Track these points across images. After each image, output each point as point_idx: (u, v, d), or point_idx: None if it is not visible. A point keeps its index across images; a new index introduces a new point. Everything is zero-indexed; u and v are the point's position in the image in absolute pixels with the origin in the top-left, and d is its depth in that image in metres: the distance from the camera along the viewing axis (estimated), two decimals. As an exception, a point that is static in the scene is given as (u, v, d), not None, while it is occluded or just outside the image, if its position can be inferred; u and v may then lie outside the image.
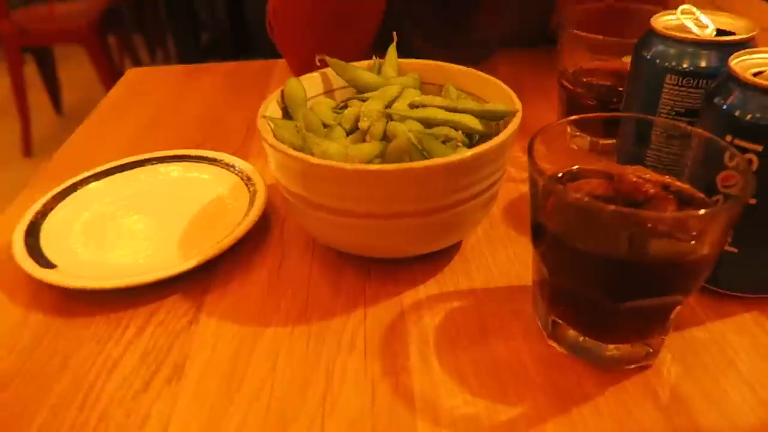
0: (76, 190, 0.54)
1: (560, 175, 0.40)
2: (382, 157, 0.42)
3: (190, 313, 0.44)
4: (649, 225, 0.33)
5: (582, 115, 0.42)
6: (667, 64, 0.44)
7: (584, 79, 0.60)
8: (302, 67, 0.50)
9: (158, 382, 0.39)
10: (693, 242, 0.33)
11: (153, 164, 0.58)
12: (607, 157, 0.47)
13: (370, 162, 0.42)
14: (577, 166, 0.40)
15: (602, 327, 0.37)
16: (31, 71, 2.69)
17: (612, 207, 0.32)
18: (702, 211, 0.33)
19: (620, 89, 0.59)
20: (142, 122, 0.74)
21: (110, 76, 2.52)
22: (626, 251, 0.34)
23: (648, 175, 0.39)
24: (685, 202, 0.37)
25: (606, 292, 0.35)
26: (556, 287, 0.38)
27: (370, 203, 0.40)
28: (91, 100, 0.77)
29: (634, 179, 0.39)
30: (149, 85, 0.86)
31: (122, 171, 0.57)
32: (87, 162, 0.60)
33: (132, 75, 0.90)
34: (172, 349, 0.41)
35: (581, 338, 0.38)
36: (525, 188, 0.56)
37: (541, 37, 0.85)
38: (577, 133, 0.56)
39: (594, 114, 0.43)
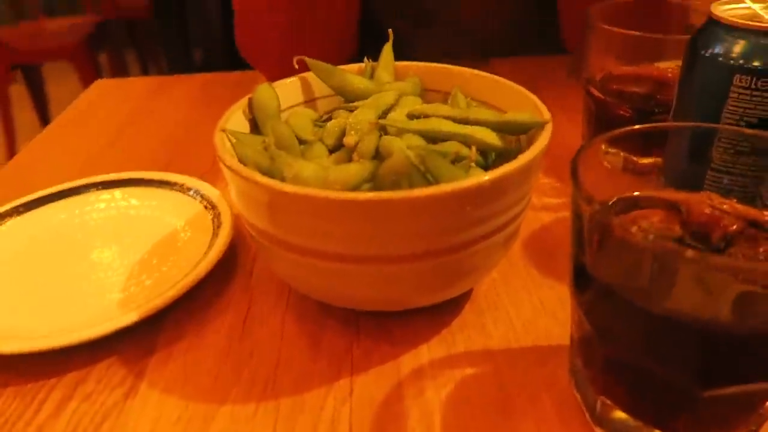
0: (0, 224, 0.44)
1: (609, 204, 0.30)
2: (373, 181, 0.32)
3: (127, 383, 0.34)
4: (750, 279, 0.23)
5: (634, 127, 0.33)
6: (735, 61, 0.35)
7: (614, 87, 0.51)
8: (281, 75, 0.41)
9: (69, 488, 0.29)
10: (811, 303, 0.23)
11: (97, 190, 0.48)
12: (646, 178, 0.37)
13: (357, 188, 0.32)
14: (636, 192, 0.31)
15: (672, 416, 0.27)
16: (18, 88, 2.61)
17: (693, 253, 0.22)
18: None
19: (659, 97, 0.50)
20: (104, 138, 0.64)
21: (100, 93, 2.44)
22: (716, 316, 0.24)
23: (726, 205, 0.30)
24: (780, 241, 0.28)
25: (684, 372, 0.25)
26: (607, 356, 0.28)
27: (357, 243, 0.30)
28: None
29: (708, 210, 0.29)
30: (118, 97, 0.76)
31: (57, 200, 0.47)
32: (29, 185, 0.50)
33: (99, 86, 0.80)
34: (97, 434, 0.31)
35: (640, 426, 0.28)
36: (547, 217, 0.47)
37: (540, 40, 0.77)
38: (610, 150, 0.46)
39: (645, 126, 0.34)
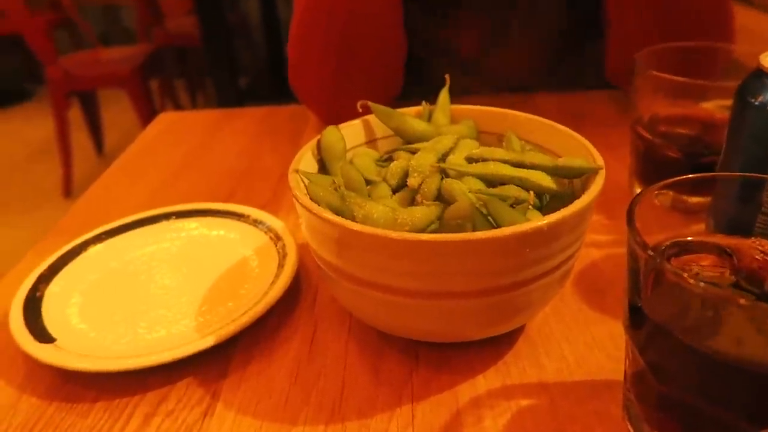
0: (84, 251, 0.48)
1: (662, 248, 0.32)
2: (439, 223, 0.35)
3: (205, 402, 0.37)
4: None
5: (687, 177, 0.35)
6: (783, 111, 0.37)
7: (662, 128, 0.53)
8: (329, 116, 0.45)
9: (159, 498, 0.32)
10: None
11: (169, 220, 0.52)
12: (695, 217, 0.39)
13: (423, 230, 0.35)
14: (690, 237, 0.32)
15: (728, 454, 0.28)
16: (75, 113, 2.74)
17: (745, 300, 0.24)
18: None
19: (707, 139, 0.51)
20: (169, 170, 0.69)
21: (151, 119, 2.54)
22: (764, 359, 0.25)
23: (775, 251, 0.31)
24: (831, 288, 0.29)
25: (738, 413, 0.26)
26: (661, 394, 0.29)
27: (422, 280, 0.33)
28: (131, 142, 0.74)
29: (759, 257, 0.31)
30: (181, 130, 0.81)
31: (134, 228, 0.51)
32: (104, 215, 0.55)
33: (164, 118, 0.86)
34: (179, 449, 0.34)
35: (694, 461, 0.29)
36: (597, 254, 0.49)
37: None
38: (660, 190, 0.48)
39: (698, 175, 0.35)
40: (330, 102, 0.69)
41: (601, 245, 0.49)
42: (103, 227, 0.51)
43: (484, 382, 0.37)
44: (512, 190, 0.35)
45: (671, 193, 0.50)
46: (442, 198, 0.37)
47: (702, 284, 0.24)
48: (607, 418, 0.34)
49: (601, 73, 0.74)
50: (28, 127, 3.33)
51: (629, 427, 0.33)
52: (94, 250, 0.49)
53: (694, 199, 0.44)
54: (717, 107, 0.53)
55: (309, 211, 0.34)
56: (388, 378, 0.38)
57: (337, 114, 0.45)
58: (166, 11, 3.11)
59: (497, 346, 0.39)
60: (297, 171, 0.39)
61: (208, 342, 0.38)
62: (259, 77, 3.38)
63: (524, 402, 0.36)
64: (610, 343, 0.39)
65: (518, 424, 0.34)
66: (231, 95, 2.75)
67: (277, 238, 0.49)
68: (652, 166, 0.53)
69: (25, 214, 2.38)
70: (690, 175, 0.34)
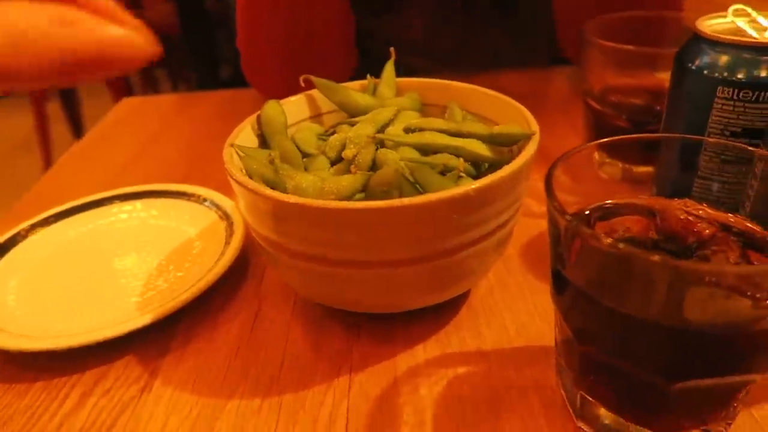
0: (30, 234, 0.48)
1: (587, 212, 0.32)
2: (365, 191, 0.34)
3: (143, 380, 0.37)
4: (710, 281, 0.25)
5: (617, 137, 0.34)
6: (718, 74, 0.36)
7: (613, 98, 0.53)
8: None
9: (88, 474, 0.31)
10: (770, 302, 0.25)
11: (116, 203, 0.51)
12: (643, 187, 0.39)
13: (350, 198, 0.34)
14: (610, 201, 0.32)
15: (647, 410, 0.28)
16: (54, 106, 2.71)
17: (657, 257, 0.24)
18: (783, 262, 0.24)
19: (657, 108, 0.51)
20: (127, 154, 0.68)
21: (131, 110, 2.52)
22: (679, 316, 0.25)
23: (700, 211, 0.31)
24: (752, 245, 0.29)
25: (654, 367, 0.26)
26: (585, 356, 0.29)
27: (352, 249, 0.33)
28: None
29: (683, 216, 0.31)
30: (141, 115, 0.80)
31: (81, 211, 0.50)
32: (59, 200, 0.54)
33: (126, 104, 0.85)
34: (115, 426, 0.34)
35: (620, 422, 0.29)
36: (545, 224, 0.48)
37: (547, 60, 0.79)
38: (607, 160, 0.48)
39: (629, 136, 0.35)
40: (289, 91, 0.69)
41: (551, 217, 0.49)
42: (50, 211, 0.50)
43: (424, 352, 0.37)
44: (442, 158, 0.35)
45: (620, 164, 0.51)
46: (377, 169, 0.37)
47: (614, 243, 0.24)
48: (543, 385, 0.34)
49: (556, 51, 0.74)
50: (8, 122, 3.29)
51: (561, 391, 0.33)
52: (42, 231, 0.49)
53: (641, 169, 0.44)
54: (668, 77, 0.53)
55: (241, 184, 0.34)
56: (328, 352, 0.38)
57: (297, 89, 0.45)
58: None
59: (439, 316, 0.39)
60: (232, 145, 0.38)
61: (146, 319, 0.38)
62: (239, 66, 3.35)
63: (461, 370, 0.36)
64: (551, 311, 0.39)
65: (454, 391, 0.34)
66: (212, 85, 2.73)
67: (225, 216, 0.48)
68: (603, 137, 0.53)
69: (5, 210, 2.36)
70: (622, 136, 0.33)
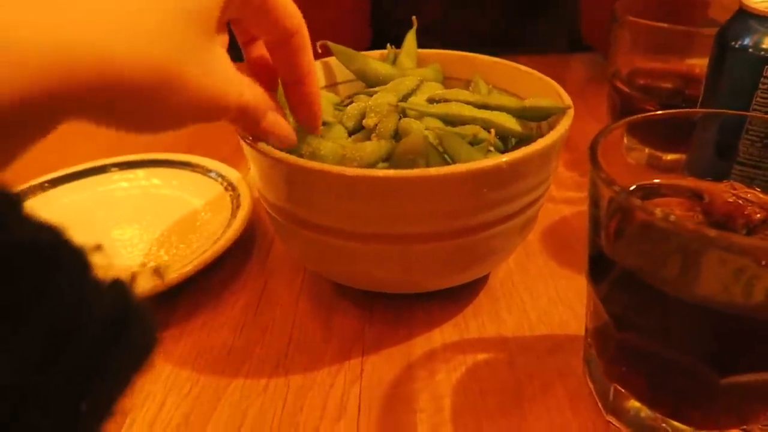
0: (26, 199, 0.45)
1: (630, 189, 0.30)
2: (390, 160, 0.32)
3: (141, 355, 0.35)
4: (771, 264, 0.23)
5: (655, 113, 0.32)
6: (765, 52, 0.34)
7: (641, 81, 0.50)
8: None
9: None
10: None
11: (117, 170, 0.49)
12: (670, 175, 0.37)
13: (373, 166, 0.32)
14: (655, 180, 0.30)
15: (690, 406, 0.26)
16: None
17: (714, 232, 0.21)
18: None
19: (687, 92, 0.49)
20: (129, 124, 0.65)
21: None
22: (734, 300, 0.23)
23: (749, 195, 0.29)
24: (806, 232, 0.27)
25: (703, 357, 0.24)
26: (623, 344, 0.27)
27: (372, 221, 0.30)
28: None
29: (732, 199, 0.29)
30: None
31: (79, 178, 0.48)
32: (57, 164, 0.51)
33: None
34: (109, 403, 0.32)
35: (653, 416, 0.27)
36: (567, 210, 0.46)
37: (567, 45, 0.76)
38: (635, 145, 0.46)
39: (668, 111, 0.33)
40: None
41: (573, 202, 0.47)
42: (47, 175, 0.48)
43: (441, 336, 0.35)
44: (472, 129, 0.33)
45: (647, 150, 0.48)
46: (399, 139, 0.34)
47: (667, 216, 0.22)
48: (568, 374, 0.32)
49: (572, 37, 0.72)
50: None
51: (589, 382, 0.31)
52: (36, 198, 0.46)
53: (670, 156, 0.42)
54: (703, 64, 0.50)
55: (254, 148, 0.32)
56: (339, 332, 0.36)
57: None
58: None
59: (456, 300, 0.37)
60: (245, 109, 0.36)
61: (144, 291, 0.35)
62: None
63: (481, 356, 0.33)
64: (575, 298, 0.37)
65: (474, 379, 0.32)
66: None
67: (232, 188, 0.46)
68: (629, 122, 0.51)
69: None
70: (659, 112, 0.31)
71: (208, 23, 0.23)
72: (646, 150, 0.45)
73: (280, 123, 0.30)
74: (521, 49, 0.76)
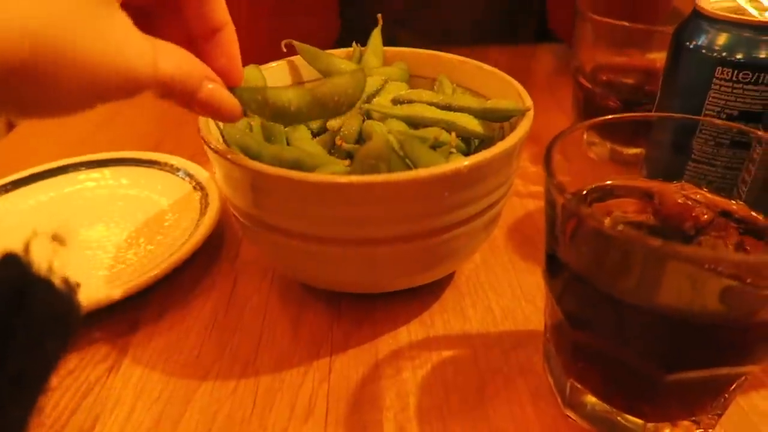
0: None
1: (584, 192, 0.31)
2: (353, 164, 0.33)
3: (110, 359, 0.35)
4: (710, 268, 0.24)
5: (610, 116, 0.33)
6: (717, 53, 0.35)
7: (604, 77, 0.51)
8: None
9: (50, 459, 0.29)
10: (773, 292, 0.24)
11: (84, 169, 0.48)
12: (632, 168, 0.38)
13: (296, 115, 0.31)
14: (608, 182, 0.31)
15: (642, 401, 0.27)
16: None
17: (656, 241, 0.22)
18: (789, 251, 0.23)
19: (647, 88, 0.50)
20: (96, 119, 0.65)
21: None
22: (675, 303, 0.24)
23: (698, 195, 0.30)
24: (750, 232, 0.28)
25: (648, 356, 0.25)
26: (577, 342, 0.28)
27: (336, 226, 0.31)
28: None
29: (681, 200, 0.30)
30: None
31: (43, 179, 0.47)
32: (21, 165, 0.51)
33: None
34: (79, 409, 0.32)
35: (608, 410, 0.29)
36: (532, 204, 0.47)
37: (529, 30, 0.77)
38: (596, 140, 0.47)
39: (623, 115, 0.34)
40: (269, 43, 0.67)
41: (537, 196, 0.48)
42: (10, 176, 0.47)
43: (407, 334, 0.36)
44: (433, 132, 0.33)
45: (608, 145, 0.49)
46: (363, 141, 0.35)
47: (613, 225, 0.23)
48: (530, 370, 0.33)
49: (541, 27, 0.73)
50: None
51: (549, 377, 0.32)
52: (0, 200, 0.46)
53: (631, 150, 0.42)
54: (661, 57, 0.51)
55: (219, 153, 0.32)
56: (308, 331, 0.36)
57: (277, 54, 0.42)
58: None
59: (423, 297, 0.38)
60: (209, 112, 0.36)
61: (114, 295, 0.36)
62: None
63: (446, 353, 0.34)
64: (538, 294, 0.38)
65: (438, 376, 0.33)
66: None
67: (200, 187, 0.46)
68: (592, 116, 0.52)
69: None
70: (614, 116, 0.32)
71: None
72: (608, 145, 0.46)
73: (221, 94, 0.27)
74: (491, 40, 0.76)
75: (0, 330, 0.16)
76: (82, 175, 0.48)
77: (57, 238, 0.18)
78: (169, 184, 0.47)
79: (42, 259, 0.18)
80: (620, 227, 0.23)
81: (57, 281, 0.18)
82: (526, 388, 0.32)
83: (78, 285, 0.19)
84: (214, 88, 0.27)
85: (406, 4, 0.74)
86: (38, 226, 0.45)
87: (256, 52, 0.68)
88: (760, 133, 0.30)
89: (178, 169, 0.48)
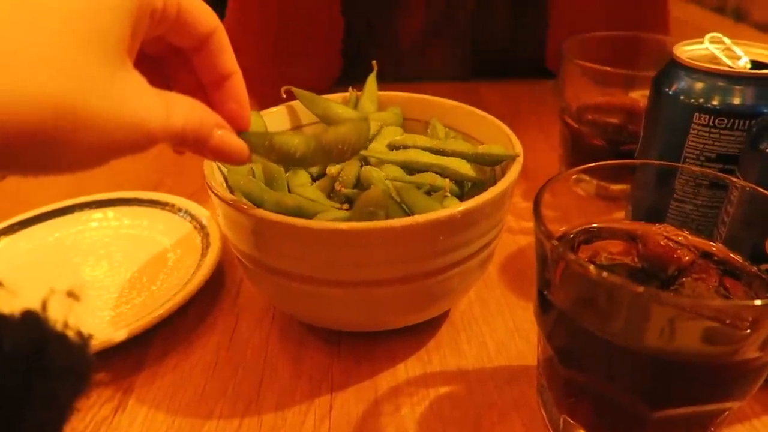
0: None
1: (572, 235, 0.32)
2: (352, 212, 0.34)
3: (116, 398, 0.36)
4: (692, 312, 0.25)
5: (597, 164, 0.35)
6: (694, 100, 0.37)
7: (589, 117, 0.53)
8: (272, 99, 0.43)
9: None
10: (749, 332, 0.26)
11: (86, 210, 0.50)
12: (618, 204, 0.40)
13: (300, 159, 0.33)
14: (594, 225, 0.33)
15: (629, 435, 0.29)
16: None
17: (640, 288, 0.24)
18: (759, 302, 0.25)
19: (631, 127, 0.52)
20: (96, 157, 0.66)
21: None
22: (659, 344, 0.26)
23: (680, 237, 0.32)
24: (731, 273, 0.30)
25: (635, 394, 0.27)
26: (568, 378, 0.30)
27: (337, 269, 0.32)
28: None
29: (663, 242, 0.31)
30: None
31: (48, 219, 0.48)
32: (23, 205, 0.52)
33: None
34: (86, 448, 0.33)
35: (601, 443, 0.30)
36: (525, 241, 0.49)
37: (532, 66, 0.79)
38: (584, 178, 0.49)
39: (609, 162, 0.36)
40: (272, 84, 0.69)
41: (529, 232, 0.50)
42: (15, 218, 0.48)
43: (405, 370, 0.37)
44: (428, 177, 0.35)
45: (594, 181, 0.51)
46: (361, 186, 0.36)
47: (598, 271, 0.25)
48: (524, 404, 0.34)
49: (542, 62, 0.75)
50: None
51: (542, 411, 0.33)
52: (6, 240, 0.47)
53: (616, 187, 0.45)
54: (642, 97, 0.54)
55: (222, 199, 0.33)
56: (308, 369, 0.37)
57: (279, 97, 0.44)
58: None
59: (420, 333, 0.39)
60: (213, 158, 0.37)
61: (120, 336, 0.37)
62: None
63: (443, 389, 0.36)
64: (531, 329, 0.40)
65: (436, 412, 0.34)
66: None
67: (201, 227, 0.47)
68: (579, 155, 0.54)
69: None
70: (601, 162, 0.34)
71: (114, 47, 0.21)
72: (594, 182, 0.49)
73: (231, 140, 0.28)
74: (489, 75, 0.79)
75: (21, 383, 0.17)
76: (85, 215, 0.49)
77: (72, 294, 0.19)
78: (171, 223, 0.48)
79: (58, 314, 0.19)
80: (605, 274, 0.25)
81: (72, 335, 0.19)
82: (520, 422, 0.33)
83: (90, 337, 0.20)
84: (224, 134, 0.28)
85: (411, 42, 0.76)
86: (44, 266, 0.46)
87: (258, 95, 0.70)
88: (734, 179, 0.32)
89: (179, 209, 0.49)
